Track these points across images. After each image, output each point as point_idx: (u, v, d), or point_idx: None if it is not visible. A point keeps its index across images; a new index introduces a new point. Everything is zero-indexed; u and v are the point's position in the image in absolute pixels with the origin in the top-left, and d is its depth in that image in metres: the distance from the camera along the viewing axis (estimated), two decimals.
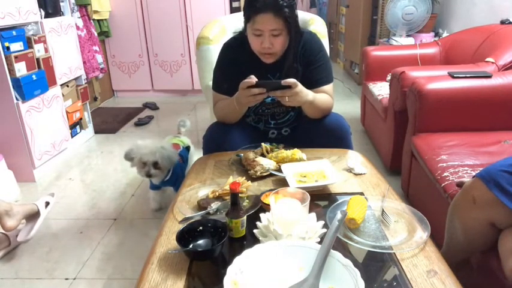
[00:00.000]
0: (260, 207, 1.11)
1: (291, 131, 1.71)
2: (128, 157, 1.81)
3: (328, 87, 1.58)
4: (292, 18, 1.42)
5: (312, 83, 1.53)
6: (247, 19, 1.45)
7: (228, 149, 1.54)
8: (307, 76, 1.54)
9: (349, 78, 4.77)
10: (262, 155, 1.43)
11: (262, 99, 1.43)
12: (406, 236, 1.00)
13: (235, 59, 1.58)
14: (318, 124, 1.57)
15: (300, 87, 1.38)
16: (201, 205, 1.16)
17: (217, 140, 1.59)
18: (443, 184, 1.42)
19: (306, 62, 1.56)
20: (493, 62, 2.02)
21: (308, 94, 1.44)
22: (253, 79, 1.36)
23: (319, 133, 1.56)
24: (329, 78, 1.59)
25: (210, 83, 2.45)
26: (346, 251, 0.95)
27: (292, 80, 1.35)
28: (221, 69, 1.63)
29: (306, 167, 1.32)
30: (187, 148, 2.13)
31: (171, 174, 1.89)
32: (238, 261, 0.83)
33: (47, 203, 1.95)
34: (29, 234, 1.80)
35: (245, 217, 1.02)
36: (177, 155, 1.86)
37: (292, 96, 1.38)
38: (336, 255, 0.83)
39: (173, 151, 1.85)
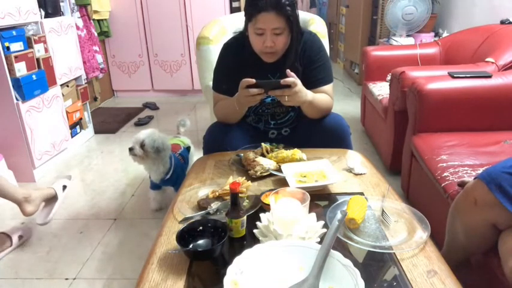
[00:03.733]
0: (260, 207, 1.11)
1: (291, 131, 1.71)
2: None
3: (327, 88, 1.58)
4: (293, 16, 1.43)
5: (312, 83, 1.53)
6: (249, 18, 1.45)
7: (228, 149, 1.54)
8: (307, 76, 1.54)
9: (349, 78, 4.77)
10: (262, 155, 1.43)
11: (261, 100, 1.43)
12: (406, 236, 1.00)
13: (236, 59, 1.58)
14: (318, 124, 1.57)
15: (299, 86, 1.38)
16: (201, 205, 1.16)
17: (217, 140, 1.59)
18: (443, 184, 1.42)
19: (306, 61, 1.56)
20: (493, 62, 2.02)
21: (307, 94, 1.44)
22: (253, 79, 1.36)
23: (319, 133, 1.56)
24: (329, 78, 1.59)
25: (210, 83, 2.45)
26: (346, 251, 0.95)
27: (291, 80, 1.35)
28: (221, 69, 1.63)
29: (306, 167, 1.32)
30: (188, 148, 2.13)
31: (171, 173, 1.89)
32: (238, 261, 0.83)
33: (64, 187, 1.98)
34: (48, 217, 1.89)
35: (245, 217, 1.02)
36: (167, 146, 1.84)
37: (292, 96, 1.38)
38: (336, 255, 0.83)
39: (165, 142, 1.83)
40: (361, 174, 1.34)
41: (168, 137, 1.99)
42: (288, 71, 1.39)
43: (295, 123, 1.70)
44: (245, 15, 1.48)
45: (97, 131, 3.29)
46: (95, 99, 3.91)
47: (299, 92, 1.38)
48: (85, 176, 2.56)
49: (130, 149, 1.78)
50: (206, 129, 1.64)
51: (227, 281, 0.78)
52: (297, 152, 1.40)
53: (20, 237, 1.83)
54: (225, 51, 1.63)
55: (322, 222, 0.99)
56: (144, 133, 1.80)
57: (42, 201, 1.87)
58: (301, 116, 1.67)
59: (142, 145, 1.77)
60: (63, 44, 2.80)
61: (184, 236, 0.98)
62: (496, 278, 1.07)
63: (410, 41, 3.46)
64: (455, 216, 1.16)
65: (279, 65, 1.53)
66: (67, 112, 2.82)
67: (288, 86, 1.35)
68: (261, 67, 1.54)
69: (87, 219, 2.04)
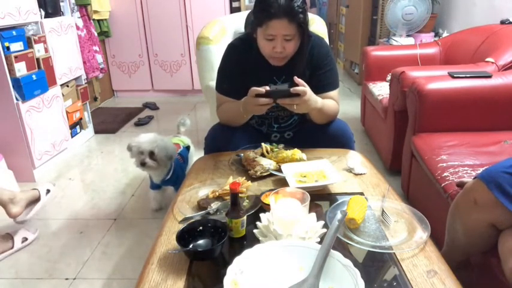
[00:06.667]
0: (260, 207, 1.11)
1: (293, 135, 1.70)
2: (129, 147, 1.80)
3: (334, 93, 1.56)
4: (305, 23, 1.40)
5: (319, 88, 1.50)
6: (260, 24, 1.40)
7: (230, 151, 1.53)
8: (314, 80, 1.51)
9: (349, 78, 4.77)
10: (262, 155, 1.43)
11: (268, 109, 1.40)
12: (406, 236, 1.00)
13: (241, 60, 1.55)
14: (322, 130, 1.56)
15: (309, 95, 1.35)
16: (201, 205, 1.16)
17: (219, 141, 1.58)
18: (443, 184, 1.42)
19: (314, 66, 1.54)
20: (493, 62, 2.02)
21: (317, 101, 1.42)
22: (264, 88, 1.33)
23: (323, 139, 1.55)
24: (336, 83, 1.58)
25: (210, 83, 2.47)
26: (346, 251, 0.95)
27: (301, 89, 1.33)
28: (226, 70, 1.60)
29: (306, 167, 1.32)
30: (188, 148, 2.12)
31: (171, 174, 1.89)
32: (238, 261, 0.83)
33: (48, 191, 1.97)
34: (27, 215, 1.86)
35: (245, 217, 1.02)
36: (175, 149, 1.84)
37: (301, 104, 1.35)
38: (336, 255, 0.83)
39: (172, 145, 1.83)
40: (361, 174, 1.34)
41: (169, 137, 1.99)
42: (296, 78, 1.36)
43: (299, 127, 1.69)
44: (255, 19, 1.44)
45: (97, 131, 3.29)
46: (95, 99, 3.91)
47: (308, 100, 1.36)
48: (85, 176, 2.56)
49: (143, 164, 1.75)
50: (206, 129, 1.63)
51: (227, 281, 0.78)
52: (297, 152, 1.40)
53: (25, 239, 1.82)
54: (230, 52, 1.60)
55: (322, 222, 0.99)
56: (148, 142, 1.75)
57: (26, 203, 1.85)
58: (304, 120, 1.66)
59: (151, 156, 1.75)
60: (63, 44, 2.80)
61: (184, 236, 0.98)
62: (496, 278, 1.07)
63: (410, 41, 3.46)
64: (455, 216, 1.16)
65: (285, 68, 1.51)
66: (67, 112, 2.82)
67: (298, 95, 1.33)
68: (267, 69, 1.52)
69: (87, 219, 2.04)
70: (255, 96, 1.34)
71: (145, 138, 1.78)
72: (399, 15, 3.40)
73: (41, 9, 2.59)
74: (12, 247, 1.77)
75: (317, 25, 2.53)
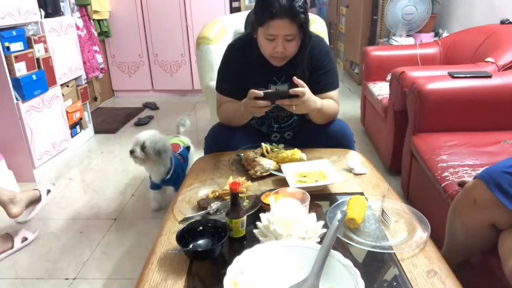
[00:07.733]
0: (260, 207, 1.11)
1: (293, 135, 1.70)
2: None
3: (334, 93, 1.56)
4: (306, 23, 1.40)
5: (319, 88, 1.50)
6: (261, 23, 1.40)
7: (230, 151, 1.53)
8: (314, 81, 1.51)
9: (349, 78, 4.77)
10: (262, 155, 1.43)
11: (267, 110, 1.40)
12: (406, 236, 1.00)
13: (241, 60, 1.55)
14: (322, 130, 1.56)
15: (308, 95, 1.35)
16: (201, 205, 1.16)
17: (219, 141, 1.58)
18: (443, 184, 1.42)
19: (314, 66, 1.53)
20: (493, 62, 2.02)
21: (316, 102, 1.42)
22: (261, 90, 1.33)
23: (323, 139, 1.55)
24: (336, 83, 1.58)
25: (210, 83, 2.47)
26: (346, 251, 0.95)
27: (300, 90, 1.33)
28: (226, 71, 1.60)
29: (306, 167, 1.32)
30: (188, 148, 2.13)
31: (171, 174, 1.89)
32: (238, 261, 0.83)
33: (48, 191, 1.98)
34: (29, 215, 1.87)
35: (245, 217, 1.02)
36: (166, 147, 1.83)
37: (300, 105, 1.35)
38: (336, 255, 0.83)
39: (165, 143, 1.83)
40: (361, 174, 1.34)
41: (168, 137, 1.99)
42: (295, 78, 1.36)
43: (299, 127, 1.69)
44: (256, 19, 1.44)
45: (97, 131, 3.29)
46: (95, 99, 3.91)
47: (307, 101, 1.35)
48: (85, 176, 2.56)
49: (131, 152, 1.78)
50: (206, 129, 1.63)
51: (227, 281, 0.78)
52: (297, 152, 1.40)
53: (25, 239, 1.82)
54: (230, 52, 1.59)
55: (322, 222, 0.99)
56: (145, 135, 1.79)
57: (27, 204, 1.85)
58: (304, 121, 1.66)
59: (143, 147, 1.76)
60: (63, 44, 2.80)
61: (184, 236, 0.98)
62: (496, 278, 1.07)
63: (410, 41, 3.46)
64: (455, 216, 1.16)
65: (285, 68, 1.51)
66: (67, 112, 2.82)
67: (297, 96, 1.33)
68: (267, 69, 1.52)
69: (87, 219, 2.04)
70: (253, 99, 1.34)
71: (147, 132, 1.82)
72: (399, 15, 3.40)
73: (41, 9, 2.59)
74: (12, 247, 1.77)
75: (317, 25, 2.53)
